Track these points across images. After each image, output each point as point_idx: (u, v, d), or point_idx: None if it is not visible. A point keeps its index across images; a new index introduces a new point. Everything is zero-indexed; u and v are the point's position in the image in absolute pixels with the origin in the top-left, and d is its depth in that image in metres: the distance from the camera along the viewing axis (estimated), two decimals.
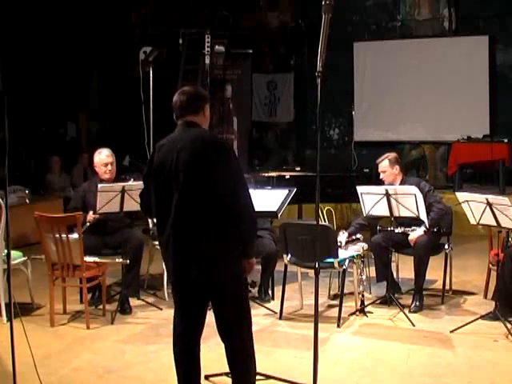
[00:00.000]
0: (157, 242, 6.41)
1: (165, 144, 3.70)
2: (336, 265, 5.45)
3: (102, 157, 6.11)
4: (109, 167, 6.10)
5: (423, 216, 5.62)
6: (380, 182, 6.18)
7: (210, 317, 3.80)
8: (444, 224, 6.05)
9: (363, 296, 5.78)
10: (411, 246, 5.88)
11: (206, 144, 3.61)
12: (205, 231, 3.56)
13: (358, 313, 5.74)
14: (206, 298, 3.75)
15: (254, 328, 3.82)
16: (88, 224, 5.89)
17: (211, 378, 4.27)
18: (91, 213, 5.92)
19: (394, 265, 6.22)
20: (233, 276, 3.66)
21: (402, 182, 6.06)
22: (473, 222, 5.44)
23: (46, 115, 12.19)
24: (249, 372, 3.79)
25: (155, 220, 3.77)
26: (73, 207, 6.06)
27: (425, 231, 5.82)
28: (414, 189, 5.61)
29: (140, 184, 6.10)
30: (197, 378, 3.81)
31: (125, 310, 5.85)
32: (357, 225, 6.10)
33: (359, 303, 5.78)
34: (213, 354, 4.42)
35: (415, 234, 5.85)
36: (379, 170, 6.15)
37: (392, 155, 6.14)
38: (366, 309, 5.77)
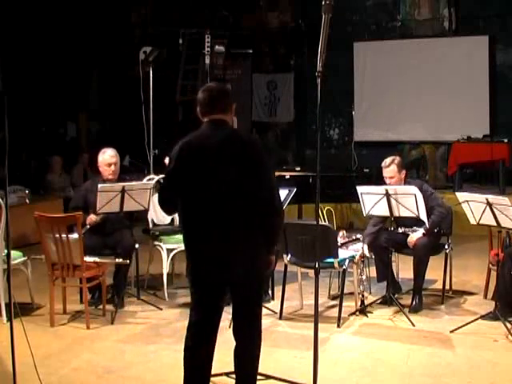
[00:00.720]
0: (157, 242, 6.43)
1: (192, 142, 3.65)
2: (336, 265, 5.45)
3: (106, 157, 6.10)
4: (112, 167, 6.08)
5: (423, 216, 5.62)
6: (380, 183, 6.15)
7: None
8: (444, 225, 6.04)
9: (363, 296, 5.78)
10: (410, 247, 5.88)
11: (245, 144, 3.62)
12: (240, 229, 3.57)
13: (357, 313, 5.74)
14: (225, 295, 3.75)
15: None
16: (88, 227, 5.88)
17: (211, 378, 4.25)
18: (91, 215, 5.91)
19: (394, 265, 6.22)
20: (262, 275, 3.73)
21: (406, 184, 6.00)
22: (473, 222, 5.44)
23: (46, 115, 12.19)
24: (256, 371, 3.81)
25: (182, 217, 3.71)
26: (74, 207, 6.05)
27: (424, 233, 5.81)
28: (413, 189, 5.61)
29: (140, 184, 6.16)
30: (208, 376, 3.79)
31: (117, 304, 5.83)
32: (372, 234, 6.00)
33: (359, 303, 5.78)
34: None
35: (414, 236, 5.84)
36: (385, 174, 5.97)
37: (398, 159, 5.98)
38: (366, 309, 5.77)
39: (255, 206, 3.57)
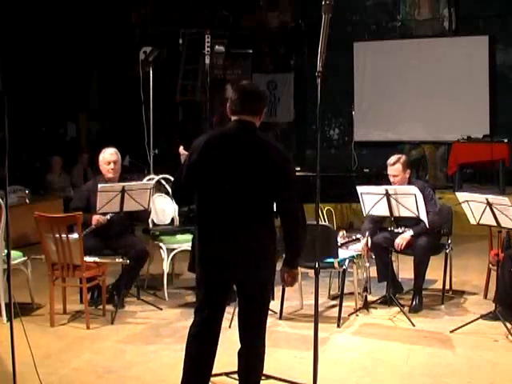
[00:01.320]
0: (157, 242, 6.43)
1: (217, 139, 3.64)
2: (336, 265, 5.45)
3: (106, 155, 6.11)
4: (111, 165, 6.07)
5: (423, 216, 5.62)
6: (380, 183, 6.14)
7: None
8: (441, 225, 6.03)
9: (366, 290, 5.78)
10: (408, 247, 5.87)
11: (270, 151, 3.61)
12: (259, 232, 3.58)
13: (362, 309, 5.74)
14: (229, 295, 3.77)
15: None
16: (94, 227, 5.86)
17: (211, 378, 4.25)
18: (98, 216, 5.86)
19: (394, 265, 6.21)
20: (272, 278, 3.74)
21: (409, 184, 5.94)
22: (473, 222, 5.44)
23: (46, 115, 12.19)
24: (260, 372, 3.81)
25: (196, 215, 3.70)
26: (75, 207, 6.01)
27: (412, 235, 5.80)
28: (413, 189, 5.61)
29: (140, 184, 6.16)
30: (209, 375, 3.80)
31: (117, 304, 5.83)
32: (371, 229, 5.98)
33: (362, 298, 5.78)
34: None
35: (404, 236, 5.82)
36: (390, 172, 5.96)
37: (403, 158, 5.98)
38: (368, 306, 5.77)
39: (273, 213, 3.59)
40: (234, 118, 3.69)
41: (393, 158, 5.99)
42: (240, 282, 3.69)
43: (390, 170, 5.97)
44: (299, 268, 5.80)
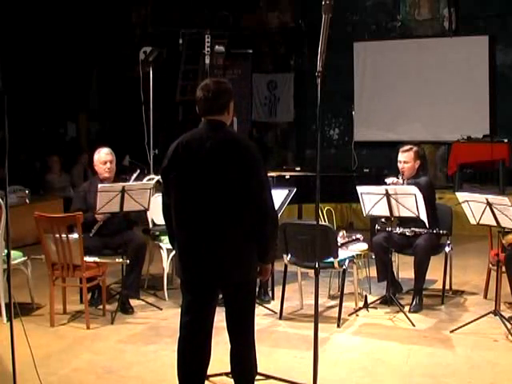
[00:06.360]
0: (157, 242, 6.43)
1: (189, 141, 3.64)
2: (336, 265, 5.45)
3: (102, 155, 6.12)
4: (108, 165, 6.09)
5: (423, 216, 5.62)
6: (380, 183, 6.14)
7: None
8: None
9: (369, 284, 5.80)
10: (411, 246, 5.89)
11: (240, 149, 3.59)
12: (232, 231, 3.57)
13: (362, 309, 5.74)
14: (217, 296, 3.76)
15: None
16: (101, 223, 5.88)
17: (211, 378, 4.26)
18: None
19: (394, 265, 6.21)
20: (253, 276, 3.72)
21: (417, 176, 6.06)
22: (473, 222, 5.44)
23: (46, 115, 12.19)
24: (252, 370, 3.81)
25: (173, 219, 3.68)
26: (76, 209, 6.01)
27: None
28: (413, 189, 5.61)
29: (140, 184, 6.15)
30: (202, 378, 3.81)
31: (127, 310, 5.84)
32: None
33: (362, 298, 5.77)
34: (213, 354, 4.41)
35: None
36: (400, 158, 6.05)
37: (416, 148, 6.12)
38: (369, 305, 5.78)
39: (245, 211, 3.57)
40: (203, 119, 3.70)
41: (406, 146, 6.14)
42: (220, 284, 3.67)
43: (401, 156, 6.07)
44: (299, 268, 5.84)
